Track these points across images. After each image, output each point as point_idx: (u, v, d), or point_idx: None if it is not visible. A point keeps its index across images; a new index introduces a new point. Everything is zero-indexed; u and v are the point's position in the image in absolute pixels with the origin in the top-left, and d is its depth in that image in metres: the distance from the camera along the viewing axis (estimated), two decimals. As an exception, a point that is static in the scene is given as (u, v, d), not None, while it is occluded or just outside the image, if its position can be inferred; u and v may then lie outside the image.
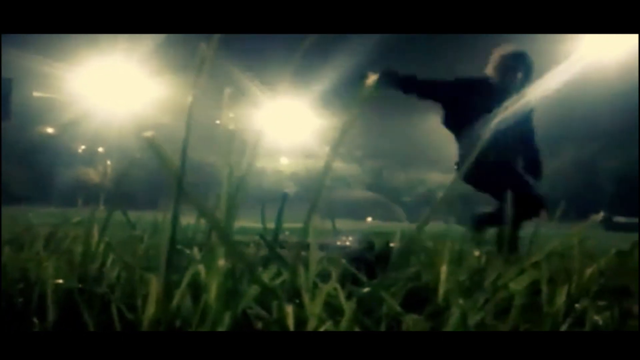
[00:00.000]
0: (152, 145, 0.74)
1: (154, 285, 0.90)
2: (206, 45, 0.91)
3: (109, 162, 45.82)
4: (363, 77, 4.77)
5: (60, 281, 1.11)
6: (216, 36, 0.95)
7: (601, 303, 1.45)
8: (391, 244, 2.15)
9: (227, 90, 1.13)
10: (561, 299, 1.31)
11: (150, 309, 0.90)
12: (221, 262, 0.88)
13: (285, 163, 59.62)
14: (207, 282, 0.93)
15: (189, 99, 0.93)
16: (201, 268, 0.97)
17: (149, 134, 0.73)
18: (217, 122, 1.19)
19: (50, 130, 47.42)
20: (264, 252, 1.96)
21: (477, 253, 1.61)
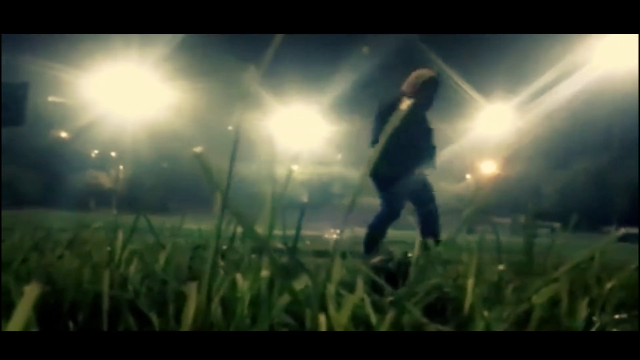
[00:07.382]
0: (201, 160, 0.77)
1: (193, 295, 0.91)
2: (251, 70, 0.93)
3: (121, 167, 46.13)
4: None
5: (106, 290, 1.14)
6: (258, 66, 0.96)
7: (620, 316, 1.46)
8: (409, 254, 2.17)
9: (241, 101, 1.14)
10: (582, 312, 1.32)
11: (188, 319, 0.92)
12: (265, 273, 0.90)
13: (296, 170, 59.37)
14: (242, 291, 0.95)
15: (236, 118, 0.95)
16: (238, 277, 0.99)
17: (198, 149, 0.76)
18: (230, 128, 1.21)
19: (63, 134, 47.80)
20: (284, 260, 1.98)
21: (501, 267, 1.62)
